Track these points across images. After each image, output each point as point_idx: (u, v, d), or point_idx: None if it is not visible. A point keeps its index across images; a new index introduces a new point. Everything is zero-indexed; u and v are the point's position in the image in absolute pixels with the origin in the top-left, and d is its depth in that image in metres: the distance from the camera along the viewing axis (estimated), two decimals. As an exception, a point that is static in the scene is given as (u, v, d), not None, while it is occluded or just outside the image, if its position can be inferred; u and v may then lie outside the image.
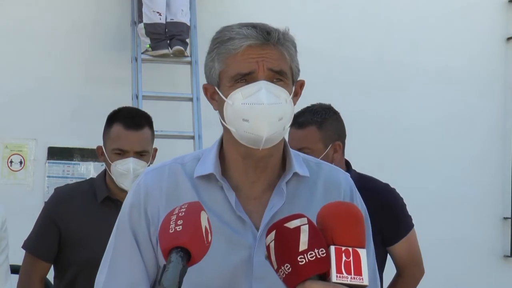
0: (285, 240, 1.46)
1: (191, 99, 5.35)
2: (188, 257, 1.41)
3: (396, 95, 6.20)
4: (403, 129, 6.18)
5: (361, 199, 1.84)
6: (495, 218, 6.45)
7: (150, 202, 1.72)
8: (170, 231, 1.43)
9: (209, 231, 1.48)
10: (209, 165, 1.73)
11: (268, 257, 1.49)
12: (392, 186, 3.13)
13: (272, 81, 1.66)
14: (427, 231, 5.93)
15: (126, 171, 2.97)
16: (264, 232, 1.62)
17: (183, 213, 1.46)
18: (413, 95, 6.25)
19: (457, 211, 6.25)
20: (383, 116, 6.10)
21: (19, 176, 5.41)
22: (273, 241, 1.48)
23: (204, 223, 1.46)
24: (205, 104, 5.37)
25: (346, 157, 3.16)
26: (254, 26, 1.68)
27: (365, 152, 5.78)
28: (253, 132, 1.64)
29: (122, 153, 2.98)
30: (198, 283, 1.66)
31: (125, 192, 3.01)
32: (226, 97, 1.67)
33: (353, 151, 5.48)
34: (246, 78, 1.66)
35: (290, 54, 1.71)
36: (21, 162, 5.41)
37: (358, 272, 1.42)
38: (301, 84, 1.77)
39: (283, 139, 1.75)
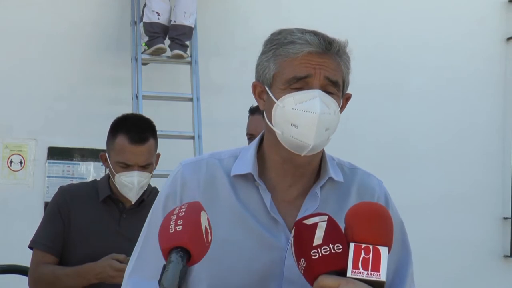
0: (301, 235, 1.49)
1: (191, 99, 5.34)
2: (188, 257, 1.42)
3: (396, 95, 6.20)
4: (402, 128, 6.18)
5: (395, 207, 1.83)
6: (495, 218, 6.45)
7: (187, 192, 1.72)
8: (170, 231, 1.43)
9: (209, 231, 1.48)
10: (248, 164, 1.73)
11: (292, 254, 1.52)
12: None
13: (325, 90, 1.67)
14: (427, 231, 5.97)
15: (131, 184, 2.99)
16: None
17: (183, 213, 1.46)
18: (413, 95, 6.25)
19: (457, 211, 6.25)
20: (382, 116, 6.10)
21: (19, 176, 5.41)
22: (293, 238, 1.51)
23: (204, 223, 1.47)
24: (205, 104, 5.39)
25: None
26: (315, 33, 1.69)
27: (364, 152, 5.78)
28: (300, 139, 1.65)
29: (126, 167, 3.00)
30: (227, 282, 1.66)
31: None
32: (277, 99, 1.67)
33: (352, 151, 5.51)
34: (301, 83, 1.66)
35: (346, 67, 1.72)
36: (21, 162, 5.41)
37: (376, 268, 1.43)
38: (348, 98, 1.78)
39: None
